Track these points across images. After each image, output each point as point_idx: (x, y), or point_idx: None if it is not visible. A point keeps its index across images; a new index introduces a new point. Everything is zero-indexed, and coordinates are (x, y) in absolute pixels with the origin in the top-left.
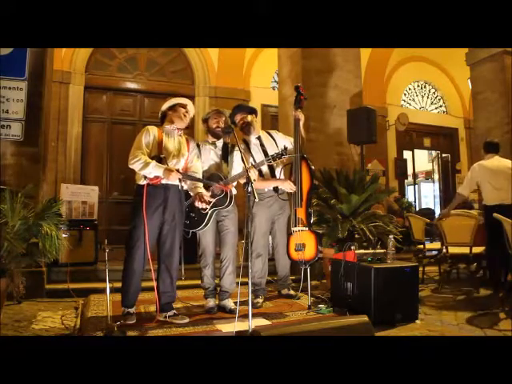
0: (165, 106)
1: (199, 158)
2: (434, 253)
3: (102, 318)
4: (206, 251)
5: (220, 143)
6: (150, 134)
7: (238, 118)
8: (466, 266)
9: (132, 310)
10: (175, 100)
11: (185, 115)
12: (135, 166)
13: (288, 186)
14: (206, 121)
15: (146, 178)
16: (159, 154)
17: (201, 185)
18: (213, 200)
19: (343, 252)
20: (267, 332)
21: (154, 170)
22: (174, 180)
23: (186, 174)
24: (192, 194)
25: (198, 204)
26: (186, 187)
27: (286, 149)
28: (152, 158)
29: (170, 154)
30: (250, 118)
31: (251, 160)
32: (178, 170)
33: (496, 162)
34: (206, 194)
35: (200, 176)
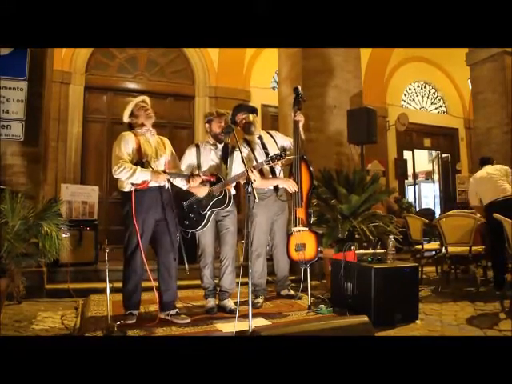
0: (126, 116)
1: (176, 159)
2: (433, 253)
3: (102, 318)
4: (205, 251)
5: (220, 144)
6: (128, 140)
7: (239, 117)
8: (466, 266)
9: (135, 311)
10: (132, 103)
11: (150, 111)
12: (121, 175)
13: (290, 185)
14: (209, 122)
15: (133, 184)
16: (141, 159)
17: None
18: (203, 177)
19: (343, 252)
20: (267, 332)
21: (141, 176)
22: (162, 181)
23: (173, 173)
24: (179, 184)
25: (192, 182)
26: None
27: (285, 150)
28: (135, 164)
29: (151, 157)
30: (251, 117)
31: (253, 159)
32: (164, 171)
33: (483, 171)
34: (197, 174)
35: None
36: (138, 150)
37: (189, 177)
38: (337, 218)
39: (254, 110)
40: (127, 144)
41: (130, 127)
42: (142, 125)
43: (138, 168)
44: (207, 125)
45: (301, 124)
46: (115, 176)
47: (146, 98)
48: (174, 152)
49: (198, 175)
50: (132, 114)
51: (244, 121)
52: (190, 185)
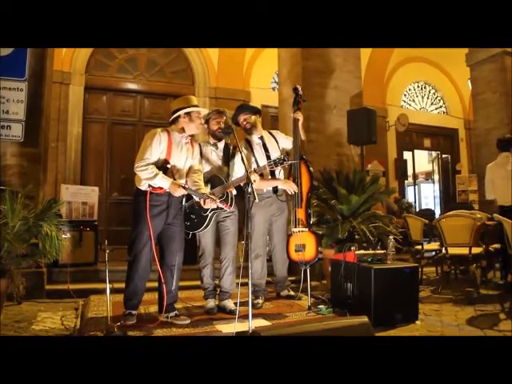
0: (183, 111)
1: (201, 163)
2: (433, 254)
3: (102, 319)
4: (205, 251)
5: (221, 144)
6: (162, 141)
7: (241, 118)
8: (466, 267)
9: (134, 312)
10: (195, 108)
11: (201, 126)
12: (143, 173)
13: (290, 186)
14: (206, 122)
15: (150, 185)
16: (166, 164)
17: (203, 186)
18: (218, 204)
19: (343, 253)
20: (267, 333)
21: (160, 182)
22: (178, 195)
23: (191, 190)
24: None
25: (207, 204)
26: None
27: (287, 154)
28: (158, 168)
29: (176, 166)
30: (253, 118)
31: (253, 159)
32: (183, 187)
33: (503, 164)
34: (213, 198)
35: (201, 177)
36: (168, 152)
37: (205, 198)
38: (337, 218)
39: (257, 111)
40: (159, 144)
41: (172, 122)
42: (183, 130)
43: (160, 174)
44: (205, 125)
45: (300, 122)
46: (135, 171)
47: (204, 115)
48: (200, 159)
49: (215, 200)
50: (188, 114)
51: (245, 122)
52: (204, 206)
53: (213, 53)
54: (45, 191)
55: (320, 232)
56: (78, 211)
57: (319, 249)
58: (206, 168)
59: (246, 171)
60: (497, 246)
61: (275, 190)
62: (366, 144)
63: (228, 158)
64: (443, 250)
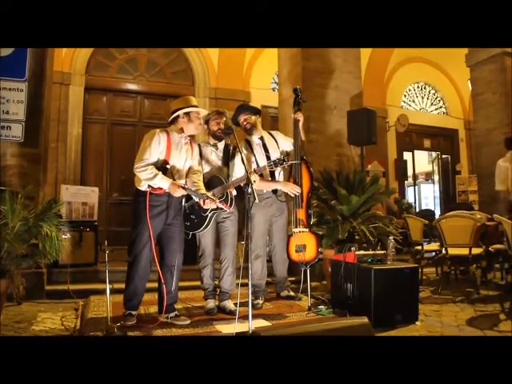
0: (182, 111)
1: (200, 164)
2: (433, 254)
3: (102, 319)
4: (205, 252)
5: (221, 145)
6: (161, 141)
7: (241, 118)
8: (466, 267)
9: (134, 312)
10: (194, 108)
11: (201, 126)
12: (142, 174)
13: (291, 188)
14: (206, 122)
15: (149, 186)
16: (165, 164)
17: (203, 187)
18: (218, 204)
19: (343, 253)
20: (267, 333)
21: (159, 183)
22: (178, 195)
23: (190, 190)
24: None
25: (206, 205)
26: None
27: (288, 155)
28: (158, 168)
29: (175, 167)
30: (253, 118)
31: (253, 160)
32: (183, 187)
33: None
34: (213, 198)
35: (200, 177)
36: (167, 152)
37: (204, 199)
38: (337, 218)
39: (257, 112)
40: (158, 144)
41: (171, 122)
42: (182, 130)
43: (160, 174)
44: (205, 125)
45: (300, 123)
46: (135, 171)
47: (203, 116)
48: (199, 159)
49: (214, 200)
50: (187, 114)
51: (246, 122)
52: (204, 206)
53: (213, 53)
54: (45, 191)
55: (320, 232)
56: (78, 211)
57: (319, 249)
58: (206, 168)
59: (246, 172)
60: (497, 246)
61: (275, 190)
62: (366, 144)
63: (228, 158)
64: (443, 251)
